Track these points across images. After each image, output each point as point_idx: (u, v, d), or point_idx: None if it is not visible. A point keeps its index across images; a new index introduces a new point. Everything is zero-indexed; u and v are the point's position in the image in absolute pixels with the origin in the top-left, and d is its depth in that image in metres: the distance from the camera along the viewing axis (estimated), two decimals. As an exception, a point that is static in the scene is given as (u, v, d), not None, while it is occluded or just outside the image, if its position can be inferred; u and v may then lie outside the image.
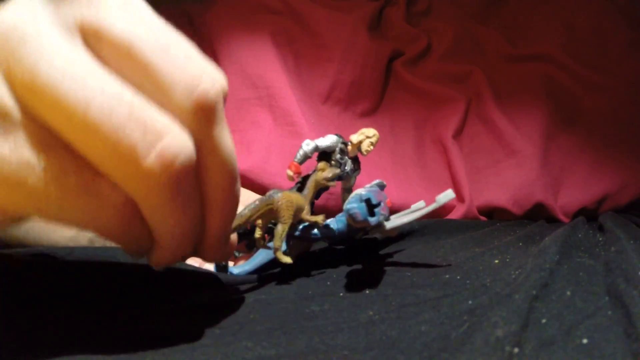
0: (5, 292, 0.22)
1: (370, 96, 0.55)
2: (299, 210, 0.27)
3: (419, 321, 0.20)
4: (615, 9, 0.57)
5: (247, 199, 0.39)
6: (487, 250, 0.31)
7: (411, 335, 0.19)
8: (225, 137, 0.18)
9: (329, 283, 0.27)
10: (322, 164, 0.30)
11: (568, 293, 0.20)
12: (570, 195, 0.51)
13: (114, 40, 0.16)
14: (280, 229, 0.26)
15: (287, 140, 0.48)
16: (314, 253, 0.34)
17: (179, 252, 0.19)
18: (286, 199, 0.26)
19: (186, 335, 0.20)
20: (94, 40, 0.16)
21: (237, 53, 0.52)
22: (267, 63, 0.51)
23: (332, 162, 0.31)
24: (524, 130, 0.52)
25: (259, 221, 0.26)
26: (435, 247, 0.33)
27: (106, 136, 0.15)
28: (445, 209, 0.50)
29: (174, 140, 0.16)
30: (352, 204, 0.24)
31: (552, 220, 0.49)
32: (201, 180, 0.19)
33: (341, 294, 0.25)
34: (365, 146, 0.31)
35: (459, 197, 0.50)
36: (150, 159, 0.16)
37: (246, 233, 0.35)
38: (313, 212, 0.29)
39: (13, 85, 0.16)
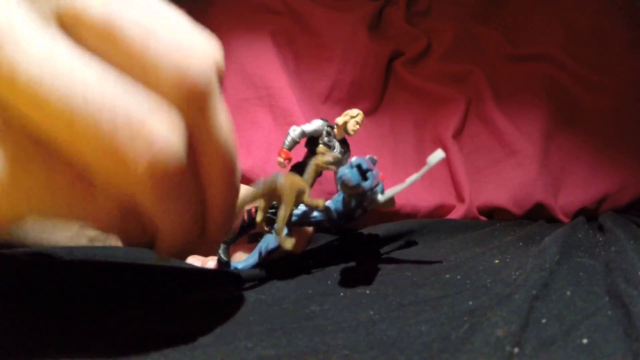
0: (5, 292, 0.22)
1: (370, 96, 0.55)
2: (300, 193, 0.27)
3: (419, 321, 0.20)
4: (615, 9, 0.57)
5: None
6: (487, 250, 0.31)
7: (411, 335, 0.19)
8: (220, 120, 0.18)
9: (329, 282, 0.27)
10: (322, 148, 0.30)
11: (568, 293, 0.20)
12: (570, 195, 0.51)
13: (93, 23, 0.15)
14: (283, 212, 0.25)
15: (287, 140, 0.48)
16: (314, 251, 0.34)
17: (183, 239, 0.19)
18: (290, 181, 0.26)
19: (186, 335, 0.20)
20: (74, 27, 0.15)
21: (237, 53, 0.52)
22: (267, 63, 0.51)
23: (321, 145, 0.31)
24: (524, 130, 0.52)
25: (261, 203, 0.26)
26: (435, 247, 0.33)
27: (92, 142, 0.14)
28: (445, 209, 0.50)
29: (164, 146, 0.15)
30: (344, 170, 0.24)
31: (552, 220, 0.49)
32: (199, 165, 0.18)
33: (341, 294, 0.25)
34: (351, 126, 0.31)
35: (459, 197, 0.50)
36: (141, 168, 0.15)
37: (247, 226, 0.35)
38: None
39: None
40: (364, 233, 0.36)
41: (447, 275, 0.26)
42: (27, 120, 0.15)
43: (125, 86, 0.15)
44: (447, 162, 0.52)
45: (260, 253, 0.33)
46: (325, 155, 0.29)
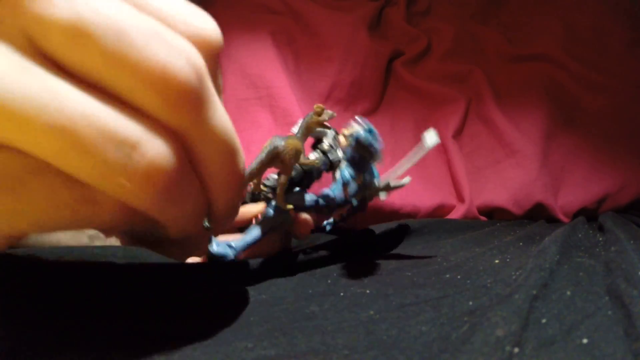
0: (5, 292, 0.22)
1: (370, 96, 0.55)
2: (298, 153, 0.27)
3: (419, 321, 0.20)
4: (615, 8, 0.57)
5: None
6: (487, 250, 0.31)
7: (411, 335, 0.19)
8: (214, 118, 0.17)
9: (329, 282, 0.27)
10: (318, 106, 0.29)
11: (568, 293, 0.20)
12: (570, 195, 0.51)
13: (60, 28, 0.14)
14: (283, 179, 0.27)
15: (287, 140, 0.48)
16: (314, 251, 0.34)
17: (189, 229, 0.19)
18: (292, 146, 0.26)
19: (186, 335, 0.20)
20: (45, 39, 0.14)
21: (237, 53, 0.52)
22: (267, 63, 0.51)
23: (325, 147, 0.32)
24: (524, 130, 0.52)
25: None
26: (435, 247, 0.33)
27: (79, 159, 0.14)
28: (445, 209, 0.50)
29: (154, 157, 0.15)
30: (359, 130, 0.24)
31: (552, 220, 0.49)
32: (198, 161, 0.18)
33: (341, 294, 0.25)
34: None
35: (459, 197, 0.50)
36: (134, 181, 0.15)
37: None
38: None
39: None
40: (364, 233, 0.36)
41: (447, 275, 0.26)
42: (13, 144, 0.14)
43: (108, 106, 0.14)
44: (447, 162, 0.52)
45: (256, 236, 0.32)
46: (320, 116, 0.29)
